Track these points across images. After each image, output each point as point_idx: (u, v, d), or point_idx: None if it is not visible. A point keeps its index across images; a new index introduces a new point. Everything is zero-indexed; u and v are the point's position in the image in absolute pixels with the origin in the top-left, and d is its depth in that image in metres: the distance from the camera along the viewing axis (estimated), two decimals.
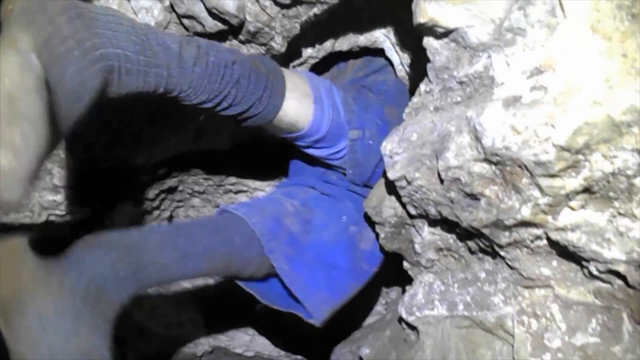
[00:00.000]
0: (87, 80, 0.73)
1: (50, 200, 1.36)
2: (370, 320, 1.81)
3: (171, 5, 1.00)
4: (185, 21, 1.02)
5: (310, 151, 1.22)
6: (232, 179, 1.77)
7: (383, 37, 1.18)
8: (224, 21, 0.98)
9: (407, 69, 1.21)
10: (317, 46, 1.18)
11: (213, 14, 0.96)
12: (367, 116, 1.20)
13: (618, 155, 0.65)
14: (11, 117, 0.63)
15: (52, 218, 1.41)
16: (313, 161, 1.30)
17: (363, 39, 1.19)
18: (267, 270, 1.16)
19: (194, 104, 0.94)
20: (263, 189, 1.83)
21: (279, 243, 1.13)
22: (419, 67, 0.96)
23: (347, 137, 1.18)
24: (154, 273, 0.93)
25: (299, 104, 1.07)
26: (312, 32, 1.10)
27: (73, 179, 1.35)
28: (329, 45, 1.19)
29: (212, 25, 1.00)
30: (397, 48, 1.17)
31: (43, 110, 0.66)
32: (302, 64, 1.24)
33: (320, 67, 1.33)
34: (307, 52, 1.19)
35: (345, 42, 1.20)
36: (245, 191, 1.83)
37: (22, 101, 0.64)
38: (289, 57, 1.15)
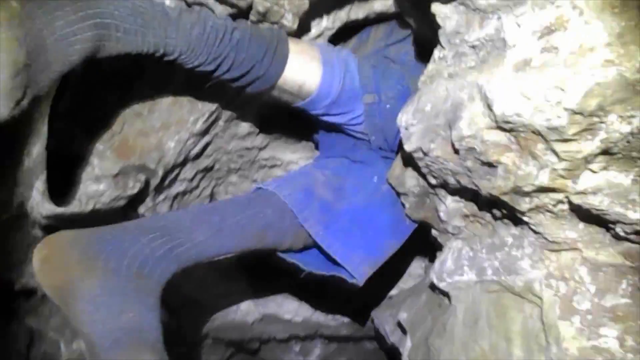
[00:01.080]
0: (77, 32, 0.80)
1: (94, 190, 1.43)
2: (410, 283, 1.83)
3: None
4: (195, 7, 1.03)
5: (327, 119, 1.22)
6: (265, 154, 1.80)
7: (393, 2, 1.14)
8: (232, 5, 0.98)
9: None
10: (331, 17, 1.16)
11: (221, 1, 0.97)
12: (386, 82, 1.18)
13: (636, 114, 0.62)
14: None
15: (98, 206, 1.49)
16: (340, 135, 1.30)
17: (378, 5, 1.16)
18: (305, 240, 1.20)
19: (194, 66, 0.98)
20: (296, 161, 1.85)
21: (312, 211, 1.16)
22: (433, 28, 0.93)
23: (362, 101, 1.17)
24: (189, 250, 0.98)
25: (304, 66, 1.08)
26: (324, 3, 1.08)
27: (112, 168, 1.42)
28: (343, 15, 1.17)
29: (221, 10, 1.00)
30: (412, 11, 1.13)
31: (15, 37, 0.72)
32: (318, 36, 1.23)
33: (340, 39, 1.31)
34: (322, 24, 1.17)
35: (360, 10, 1.17)
36: (279, 165, 1.86)
37: None
38: (303, 31, 1.14)
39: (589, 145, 0.67)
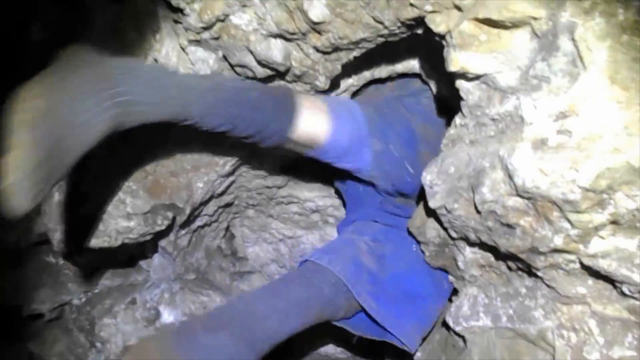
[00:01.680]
0: (97, 115, 0.85)
1: (124, 226, 1.52)
2: None
3: (224, 57, 1.11)
4: (238, 69, 1.13)
5: (337, 165, 1.27)
6: (283, 192, 1.89)
7: (419, 64, 1.25)
8: (272, 69, 1.08)
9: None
10: (357, 76, 1.26)
11: (262, 64, 1.07)
12: (392, 128, 1.24)
13: (639, 195, 0.71)
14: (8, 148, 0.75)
15: (126, 241, 1.57)
16: (368, 189, 1.39)
17: (400, 67, 1.26)
18: (356, 309, 1.27)
19: (211, 127, 1.03)
20: (312, 199, 1.94)
21: (363, 285, 1.23)
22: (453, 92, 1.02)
23: (371, 148, 1.22)
24: (267, 339, 1.06)
25: (314, 119, 1.12)
26: (352, 65, 1.18)
27: (143, 206, 1.50)
28: (368, 75, 1.27)
29: (262, 72, 1.10)
30: (432, 73, 1.23)
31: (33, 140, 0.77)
32: (343, 92, 1.33)
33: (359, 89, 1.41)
34: (348, 82, 1.27)
35: (383, 70, 1.28)
36: (295, 202, 1.95)
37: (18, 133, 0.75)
38: (331, 88, 1.24)
39: (599, 217, 0.76)
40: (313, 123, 1.12)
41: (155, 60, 1.18)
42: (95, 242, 1.54)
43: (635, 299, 0.84)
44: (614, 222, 0.77)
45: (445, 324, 1.24)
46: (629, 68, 0.70)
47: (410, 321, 1.24)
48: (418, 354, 1.44)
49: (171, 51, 1.13)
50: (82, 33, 1.16)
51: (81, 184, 1.43)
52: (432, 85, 1.23)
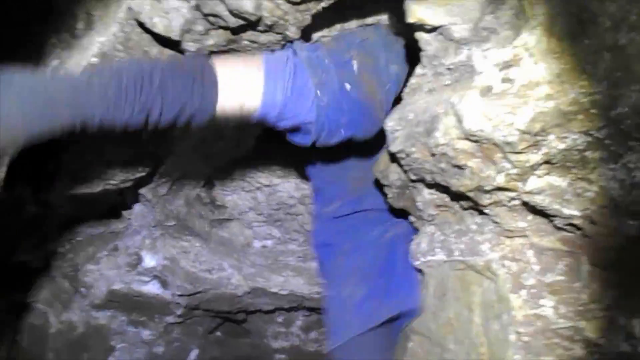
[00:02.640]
0: None
1: (104, 173, 1.58)
2: None
3: (197, 6, 1.15)
4: (210, 18, 1.17)
5: (282, 124, 1.17)
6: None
7: (388, 16, 1.30)
8: (243, 18, 1.13)
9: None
10: (327, 29, 1.31)
11: (234, 14, 1.11)
12: (328, 56, 1.17)
13: (568, 136, 0.81)
14: None
15: (107, 187, 1.64)
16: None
17: (370, 20, 1.32)
18: None
19: (123, 123, 0.94)
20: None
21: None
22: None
23: (309, 93, 1.11)
24: None
25: (239, 86, 1.04)
26: (322, 17, 1.23)
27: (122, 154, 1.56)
28: (338, 27, 1.32)
29: (234, 21, 1.14)
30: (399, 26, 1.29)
31: None
32: (315, 42, 1.38)
33: None
34: (320, 33, 1.32)
35: (354, 22, 1.33)
36: None
37: None
38: (303, 39, 1.29)
39: (535, 157, 0.85)
40: (239, 90, 1.05)
41: (129, 8, 1.21)
42: (76, 189, 1.60)
43: (566, 231, 0.95)
44: (547, 162, 0.86)
45: None
46: (565, 21, 0.78)
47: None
48: None
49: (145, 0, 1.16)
50: None
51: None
52: (400, 37, 1.29)
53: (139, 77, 0.93)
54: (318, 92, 1.11)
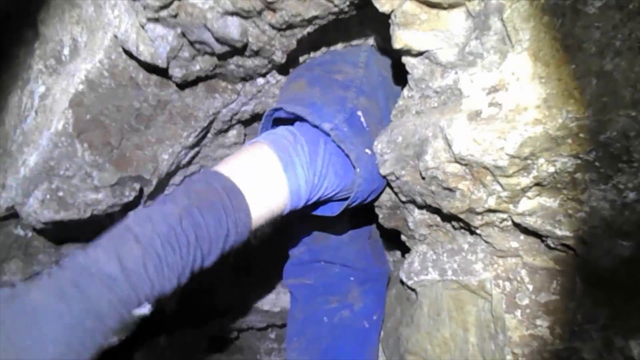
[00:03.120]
0: None
1: (92, 199, 1.56)
2: None
3: (183, 33, 1.14)
4: (197, 45, 1.16)
5: (320, 212, 1.16)
6: None
7: (373, 38, 1.31)
8: (229, 45, 1.12)
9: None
10: (314, 52, 1.31)
11: (220, 41, 1.11)
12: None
13: (557, 159, 0.81)
14: None
15: (95, 213, 1.62)
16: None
17: (355, 42, 1.32)
18: None
19: (172, 289, 0.84)
20: None
21: None
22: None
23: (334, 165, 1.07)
24: None
25: (265, 197, 0.97)
26: (308, 40, 1.23)
27: (110, 179, 1.54)
28: (325, 50, 1.33)
29: (220, 48, 1.14)
30: (385, 46, 1.29)
31: None
32: (301, 63, 1.38)
33: None
34: (305, 57, 1.32)
35: (339, 45, 1.33)
36: None
37: None
38: (288, 63, 1.29)
39: (525, 180, 0.86)
40: (266, 201, 0.97)
41: (115, 36, 1.20)
42: (64, 214, 1.58)
43: (559, 250, 0.95)
44: (538, 184, 0.87)
45: (400, 280, 1.35)
46: (550, 47, 0.78)
47: None
48: None
49: (130, 28, 1.15)
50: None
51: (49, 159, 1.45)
52: (387, 56, 1.29)
53: (173, 238, 0.81)
54: (357, 169, 1.08)
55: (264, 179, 0.97)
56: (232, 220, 0.90)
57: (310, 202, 1.07)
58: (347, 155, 1.06)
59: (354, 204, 1.14)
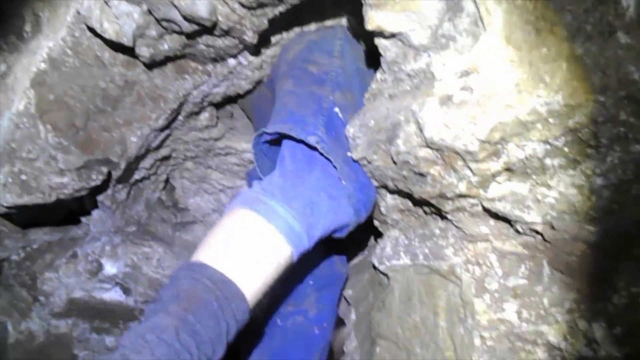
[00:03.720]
0: None
1: (57, 182, 1.51)
2: (355, 260, 2.02)
3: (149, 10, 1.10)
4: (164, 23, 1.12)
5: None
6: (221, 144, 1.91)
7: (346, 19, 1.28)
8: (198, 24, 1.09)
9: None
10: (286, 32, 1.28)
11: (188, 19, 1.07)
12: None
13: (527, 144, 0.81)
14: None
15: (61, 197, 1.57)
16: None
17: (329, 22, 1.29)
18: None
19: None
20: (250, 150, 1.97)
21: None
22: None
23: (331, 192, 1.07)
24: None
25: (262, 271, 0.94)
26: (281, 20, 1.20)
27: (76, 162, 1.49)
28: (298, 30, 1.30)
29: (188, 26, 1.10)
30: (358, 28, 1.27)
31: None
32: (275, 44, 1.35)
33: None
34: (278, 37, 1.29)
35: (313, 25, 1.30)
36: (233, 153, 1.98)
37: None
38: (262, 43, 1.26)
39: (495, 165, 0.85)
40: (264, 273, 0.94)
41: (78, 12, 1.15)
42: (27, 198, 1.53)
43: (528, 235, 0.96)
44: (507, 169, 0.86)
45: (372, 265, 1.35)
46: (522, 30, 0.77)
47: None
48: (349, 291, 1.56)
49: (94, 4, 1.10)
50: None
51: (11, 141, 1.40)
52: (361, 39, 1.27)
53: (175, 358, 0.78)
54: (351, 196, 1.09)
55: (250, 248, 0.93)
56: (229, 312, 0.86)
57: (317, 235, 1.04)
58: (335, 167, 1.05)
59: (362, 218, 1.15)
